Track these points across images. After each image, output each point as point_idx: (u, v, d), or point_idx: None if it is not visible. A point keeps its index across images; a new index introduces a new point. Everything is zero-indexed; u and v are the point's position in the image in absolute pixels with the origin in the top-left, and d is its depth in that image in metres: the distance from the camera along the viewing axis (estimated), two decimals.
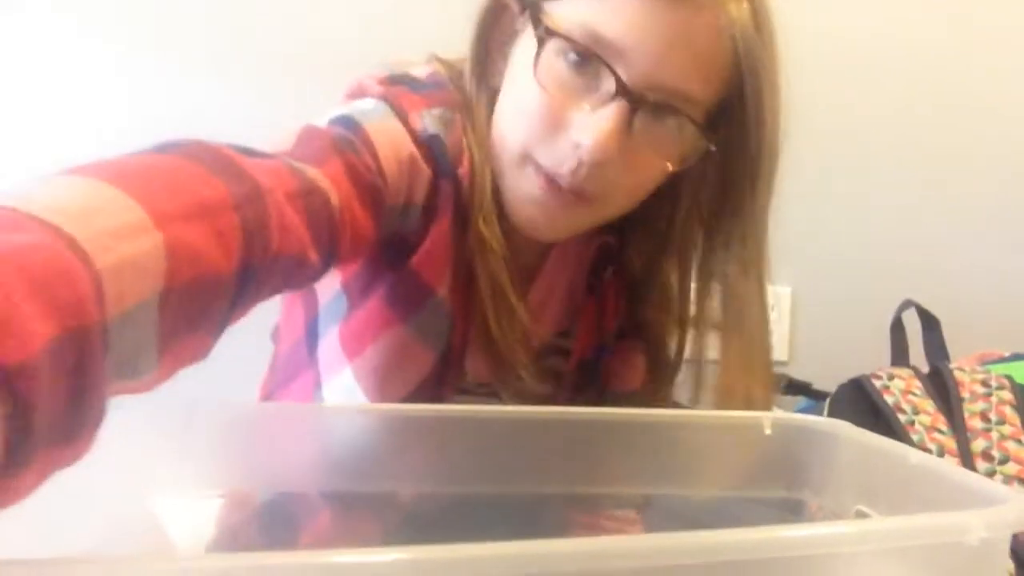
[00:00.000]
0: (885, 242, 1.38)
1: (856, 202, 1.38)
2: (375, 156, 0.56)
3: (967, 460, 0.82)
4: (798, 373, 1.25)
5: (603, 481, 0.55)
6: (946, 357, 0.99)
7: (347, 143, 0.54)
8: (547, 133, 0.58)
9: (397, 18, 1.28)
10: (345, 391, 0.64)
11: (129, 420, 0.52)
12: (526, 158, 0.60)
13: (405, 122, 0.60)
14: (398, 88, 0.63)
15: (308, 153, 0.51)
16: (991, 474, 0.81)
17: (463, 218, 0.62)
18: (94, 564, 0.28)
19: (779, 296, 1.37)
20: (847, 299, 1.37)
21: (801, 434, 0.58)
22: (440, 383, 0.66)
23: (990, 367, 0.94)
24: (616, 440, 0.54)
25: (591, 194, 0.60)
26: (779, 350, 1.37)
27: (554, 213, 0.61)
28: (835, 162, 1.37)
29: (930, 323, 1.03)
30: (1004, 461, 0.82)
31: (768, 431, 0.58)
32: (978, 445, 0.84)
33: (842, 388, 0.92)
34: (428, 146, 0.61)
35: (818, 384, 1.18)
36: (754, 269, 0.65)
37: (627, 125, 0.57)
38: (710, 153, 0.62)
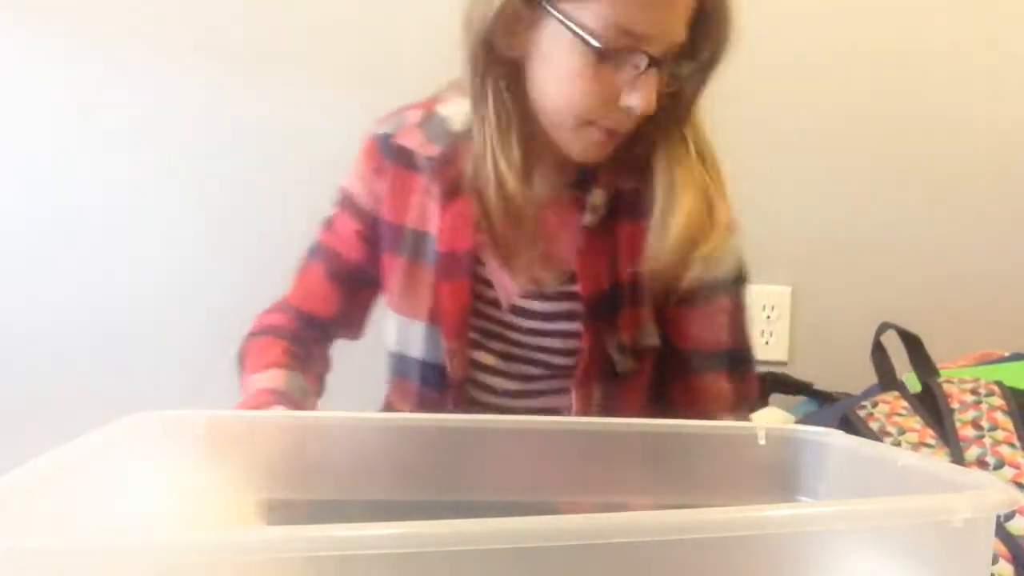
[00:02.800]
0: (885, 242, 1.38)
1: (856, 202, 1.38)
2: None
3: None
4: (798, 373, 1.25)
5: (597, 490, 0.56)
6: (934, 372, 1.00)
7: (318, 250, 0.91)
8: (603, 103, 0.74)
9: (396, 19, 1.32)
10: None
11: (143, 427, 0.54)
12: (588, 122, 0.76)
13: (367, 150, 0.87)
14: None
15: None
16: None
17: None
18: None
19: (779, 296, 1.37)
20: (847, 299, 1.37)
21: (794, 443, 0.59)
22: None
23: (990, 367, 0.94)
24: (610, 450, 0.55)
25: (628, 130, 0.78)
26: (779, 350, 1.37)
27: (607, 149, 0.79)
28: (835, 163, 1.38)
29: (912, 342, 1.02)
30: (999, 466, 0.83)
31: (762, 441, 0.59)
32: (972, 453, 0.85)
33: (829, 423, 0.92)
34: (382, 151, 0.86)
35: (818, 384, 1.18)
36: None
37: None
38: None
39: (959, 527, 0.38)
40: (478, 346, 0.86)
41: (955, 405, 0.89)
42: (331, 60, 1.35)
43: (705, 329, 0.84)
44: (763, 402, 1.18)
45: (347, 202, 0.88)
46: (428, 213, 0.84)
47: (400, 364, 0.89)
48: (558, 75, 0.75)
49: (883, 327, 1.03)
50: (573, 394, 0.83)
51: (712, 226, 0.80)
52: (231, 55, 1.35)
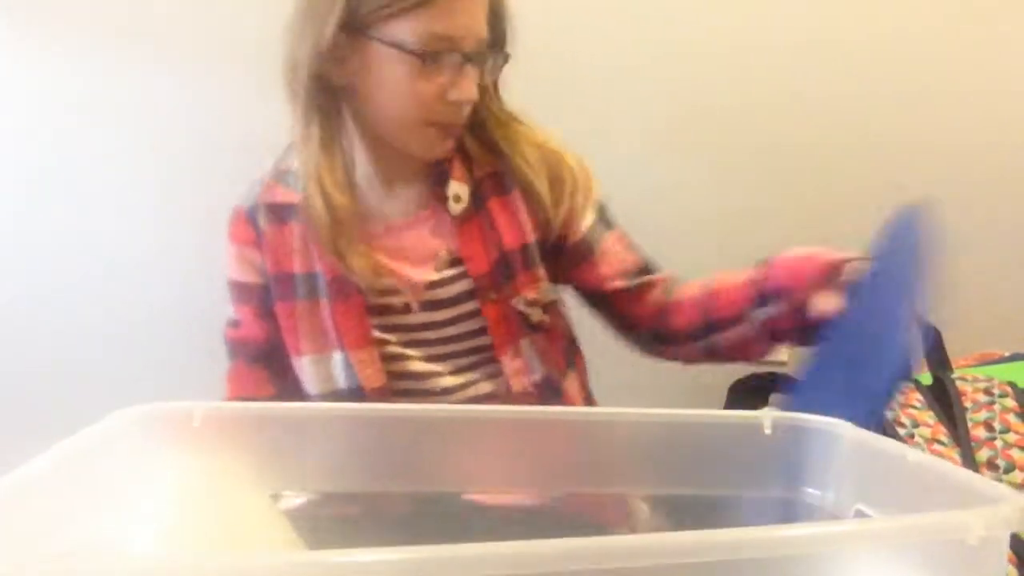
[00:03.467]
0: None
1: (856, 202, 1.37)
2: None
3: (971, 470, 0.82)
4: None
5: (604, 481, 0.55)
6: (948, 367, 0.99)
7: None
8: (434, 102, 0.83)
9: None
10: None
11: (140, 420, 0.53)
12: (426, 123, 0.84)
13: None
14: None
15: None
16: None
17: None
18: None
19: None
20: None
21: (801, 434, 0.58)
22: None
23: (990, 367, 0.94)
24: (616, 440, 0.54)
25: (461, 122, 0.88)
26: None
27: (448, 144, 0.88)
28: (835, 163, 1.38)
29: (929, 334, 1.02)
30: (1009, 470, 0.82)
31: (768, 431, 0.58)
32: (983, 455, 0.83)
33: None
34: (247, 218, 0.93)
35: None
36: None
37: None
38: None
39: (973, 545, 0.37)
40: (403, 357, 0.90)
41: (968, 404, 0.88)
42: None
43: (615, 263, 0.94)
44: (763, 402, 1.18)
45: (236, 291, 0.93)
46: (310, 254, 0.89)
47: (331, 401, 0.90)
48: (391, 88, 0.83)
49: None
50: (501, 362, 0.89)
51: (570, 168, 0.92)
52: (240, 58, 1.32)
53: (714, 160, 1.40)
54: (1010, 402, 0.89)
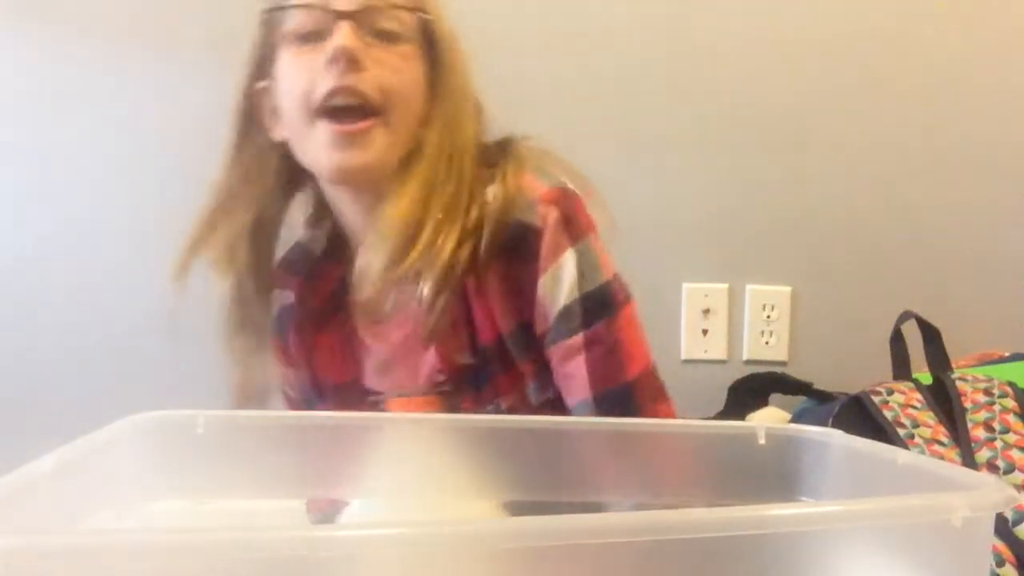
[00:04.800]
0: (885, 242, 1.37)
1: (856, 202, 1.37)
2: None
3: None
4: (798, 373, 1.24)
5: (598, 491, 0.56)
6: (948, 368, 0.99)
7: None
8: (314, 75, 0.72)
9: None
10: None
11: (144, 427, 0.54)
12: (314, 114, 0.72)
13: None
14: None
15: None
16: None
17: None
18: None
19: (779, 296, 1.37)
20: (847, 299, 1.36)
21: (794, 443, 0.59)
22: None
23: (990, 367, 0.94)
24: (611, 450, 0.55)
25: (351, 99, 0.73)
26: (779, 350, 1.36)
27: (353, 154, 0.73)
28: (835, 163, 1.38)
29: (930, 334, 1.02)
30: (1009, 470, 0.82)
31: (762, 441, 0.59)
32: (983, 456, 0.84)
33: (843, 405, 0.93)
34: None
35: (818, 384, 1.18)
36: None
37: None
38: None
39: (958, 526, 0.38)
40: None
41: (968, 404, 0.88)
42: None
43: (566, 380, 0.73)
44: (763, 402, 1.18)
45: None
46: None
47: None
48: (281, 88, 0.74)
49: (904, 316, 1.04)
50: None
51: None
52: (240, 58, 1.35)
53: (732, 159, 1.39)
54: (1010, 402, 0.89)
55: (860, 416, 0.90)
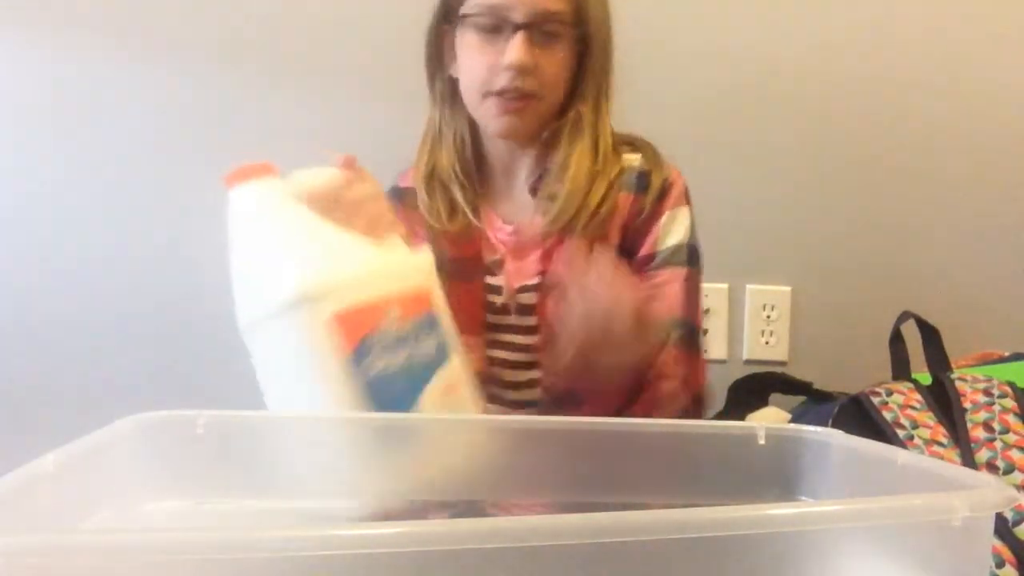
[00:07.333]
0: (885, 243, 1.38)
1: (856, 203, 1.38)
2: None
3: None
4: (798, 373, 1.24)
5: (597, 491, 0.56)
6: (948, 368, 0.99)
7: None
8: (490, 69, 0.89)
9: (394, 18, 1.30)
10: None
11: (144, 427, 0.54)
12: (485, 94, 0.91)
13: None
14: None
15: None
16: None
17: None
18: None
19: (779, 296, 1.37)
20: (847, 299, 1.36)
21: (794, 443, 0.59)
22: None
23: (990, 367, 0.94)
24: (610, 450, 0.55)
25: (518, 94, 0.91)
26: (779, 350, 1.37)
27: (512, 122, 0.93)
28: (835, 163, 1.38)
29: (930, 334, 1.02)
30: (1009, 471, 0.82)
31: (762, 441, 0.59)
32: (982, 456, 0.83)
33: (842, 406, 0.93)
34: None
35: (818, 384, 1.18)
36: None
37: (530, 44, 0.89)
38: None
39: (958, 526, 0.38)
40: (495, 344, 0.95)
41: (967, 405, 0.88)
42: (345, 61, 1.35)
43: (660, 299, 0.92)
44: (763, 402, 1.18)
45: None
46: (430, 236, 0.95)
47: None
48: (463, 64, 0.92)
49: (904, 316, 1.04)
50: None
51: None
52: (246, 56, 1.34)
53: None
54: (1010, 403, 0.89)
55: (859, 417, 0.89)
